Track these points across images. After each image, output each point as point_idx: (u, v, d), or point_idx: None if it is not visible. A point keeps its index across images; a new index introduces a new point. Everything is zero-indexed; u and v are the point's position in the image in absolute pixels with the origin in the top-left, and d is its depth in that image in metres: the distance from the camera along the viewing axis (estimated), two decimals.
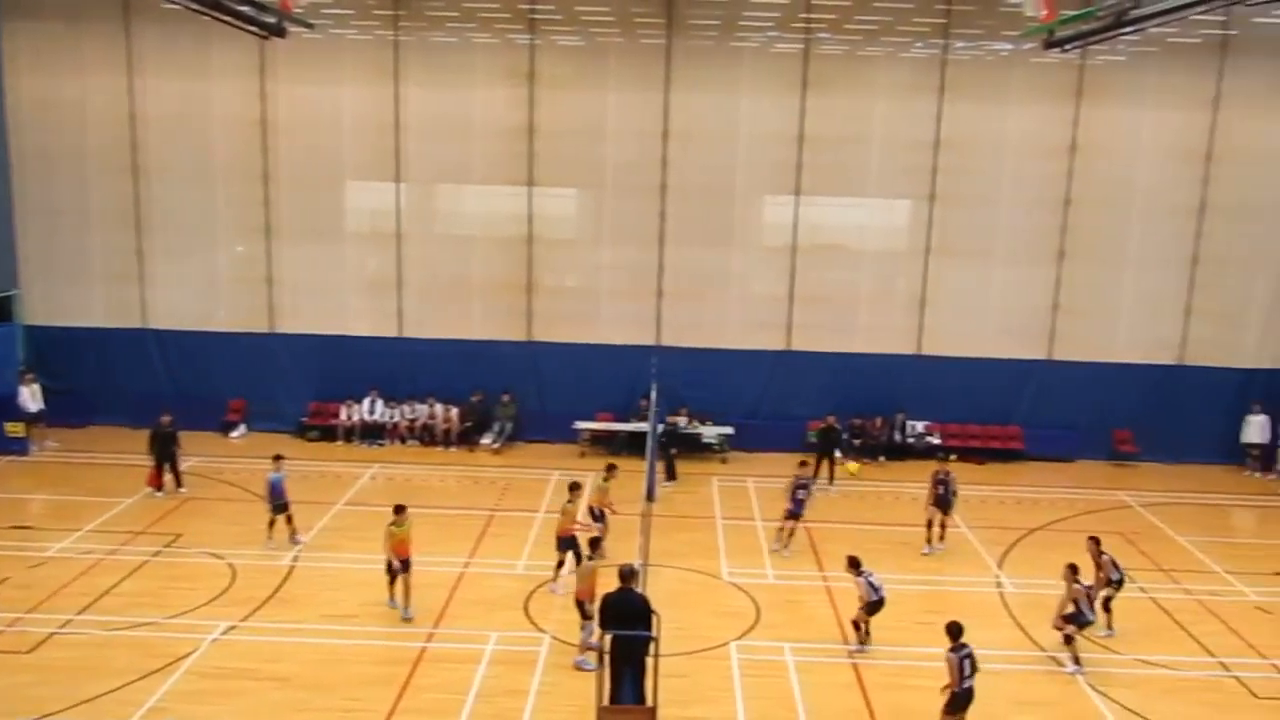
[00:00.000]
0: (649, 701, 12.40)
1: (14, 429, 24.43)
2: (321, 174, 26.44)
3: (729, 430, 25.95)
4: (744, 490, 23.46)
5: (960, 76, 25.30)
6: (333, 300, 26.86)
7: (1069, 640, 15.64)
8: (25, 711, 13.13)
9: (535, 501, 22.28)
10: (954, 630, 13.13)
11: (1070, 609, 15.58)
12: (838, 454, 24.37)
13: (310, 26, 23.34)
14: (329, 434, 26.37)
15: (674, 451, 24.14)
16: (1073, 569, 15.71)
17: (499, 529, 20.62)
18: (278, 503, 19.05)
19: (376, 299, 26.82)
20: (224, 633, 15.78)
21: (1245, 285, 26.03)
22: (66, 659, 14.88)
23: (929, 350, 26.38)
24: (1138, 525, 21.83)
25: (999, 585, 18.52)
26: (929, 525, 20.20)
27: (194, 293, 27.03)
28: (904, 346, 26.37)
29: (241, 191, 26.36)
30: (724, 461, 25.55)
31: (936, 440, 26.16)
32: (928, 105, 25.37)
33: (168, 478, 22.04)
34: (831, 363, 26.23)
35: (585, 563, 15.54)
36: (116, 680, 14.21)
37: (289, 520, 19.23)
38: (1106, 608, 16.71)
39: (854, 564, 15.96)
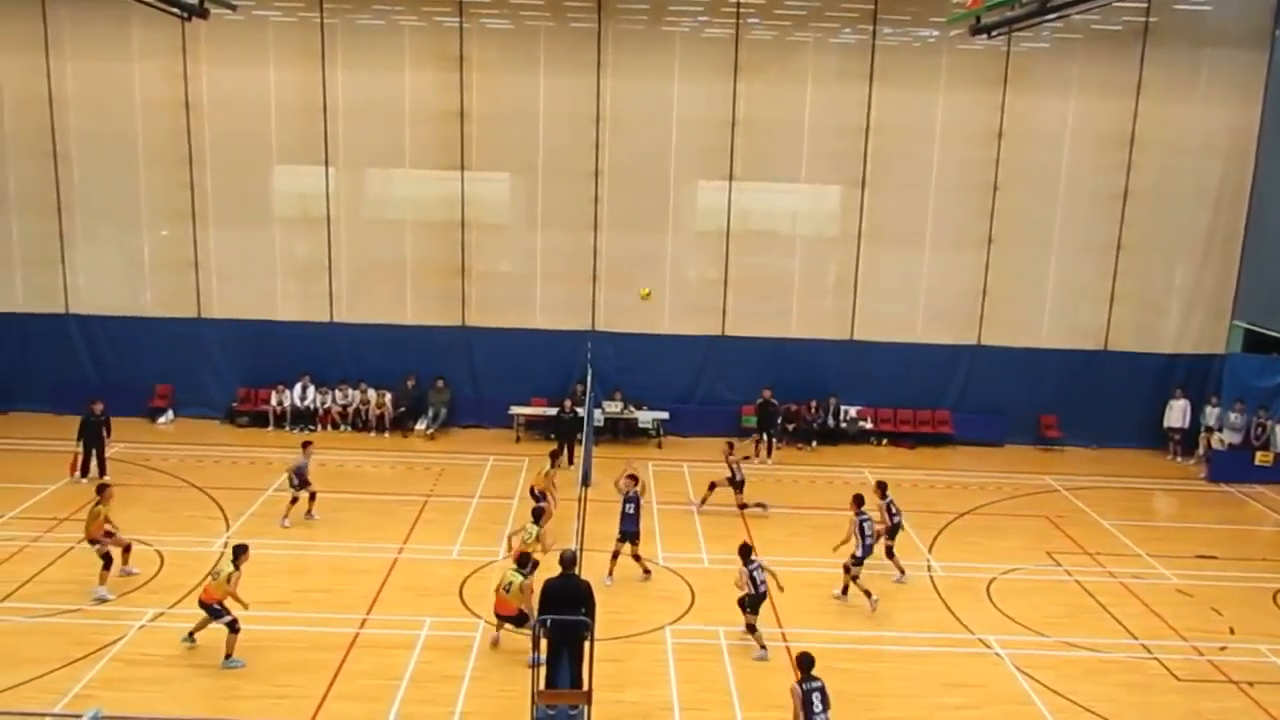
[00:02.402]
0: (585, 686, 12.42)
1: None
2: (248, 157, 25.97)
3: (664, 415, 26.03)
4: (679, 475, 23.55)
5: (889, 63, 25.54)
6: (261, 285, 26.45)
7: (855, 578, 16.82)
8: None
9: (470, 487, 22.19)
10: (804, 663, 12.14)
11: (854, 546, 16.84)
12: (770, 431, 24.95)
13: (233, 8, 22.96)
14: (259, 420, 26.02)
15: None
16: (858, 500, 17.22)
17: (433, 515, 20.49)
18: (300, 482, 19.85)
19: (307, 284, 26.45)
20: (151, 620, 15.51)
21: (1166, 272, 26.61)
22: None
23: (861, 335, 26.65)
24: (1063, 509, 22.28)
25: (929, 569, 18.78)
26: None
27: (118, 278, 26.47)
28: (836, 332, 26.63)
29: (165, 175, 25.82)
30: (659, 446, 25.63)
31: (868, 425, 26.51)
32: (857, 91, 25.58)
33: (92, 465, 21.62)
34: (765, 348, 26.41)
35: (528, 526, 16.32)
36: (40, 668, 13.93)
37: (293, 501, 19.75)
38: (890, 555, 17.83)
39: (745, 551, 15.53)
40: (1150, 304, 26.65)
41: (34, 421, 25.23)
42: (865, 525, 17.01)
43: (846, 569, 16.99)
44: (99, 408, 21.89)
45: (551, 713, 12.35)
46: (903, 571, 17.91)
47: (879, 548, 17.57)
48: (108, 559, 16.47)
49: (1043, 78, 25.66)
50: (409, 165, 26.21)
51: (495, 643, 15.08)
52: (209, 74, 25.47)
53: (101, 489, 17.12)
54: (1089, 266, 26.47)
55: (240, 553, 14.80)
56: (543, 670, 12.53)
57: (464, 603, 16.61)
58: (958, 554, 19.45)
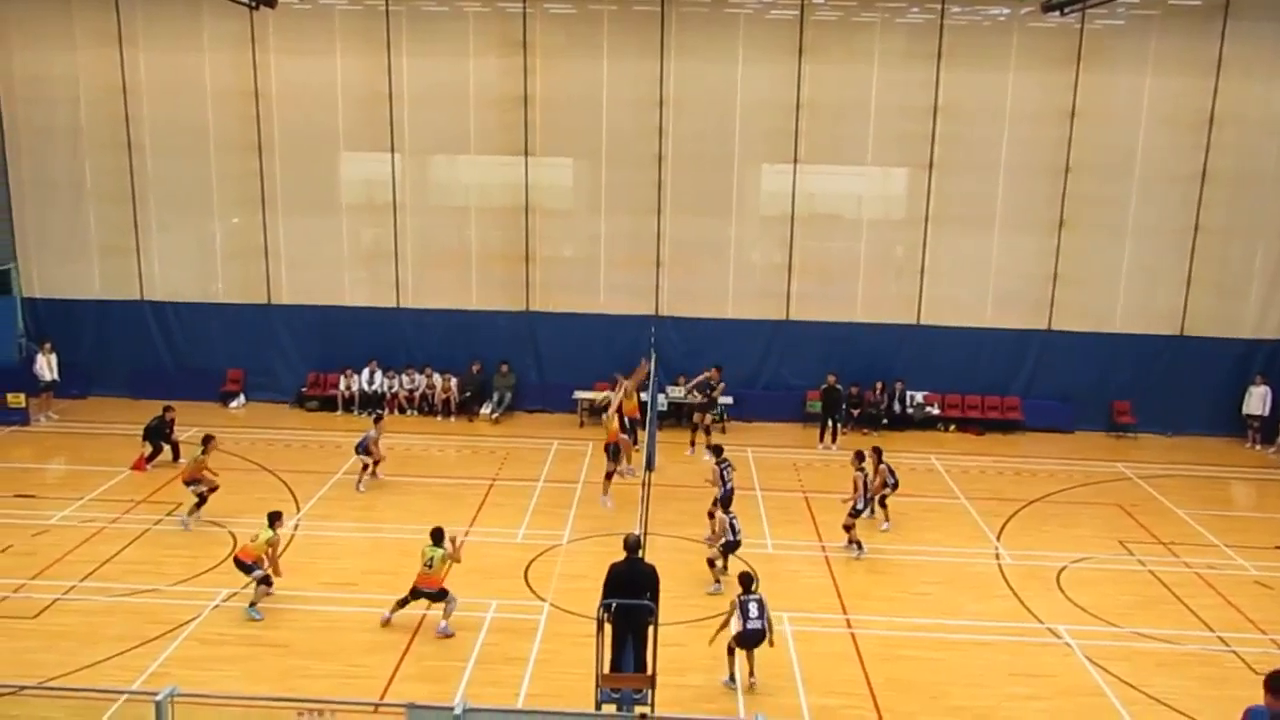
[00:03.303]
0: (649, 670, 12.43)
1: (15, 400, 24.50)
2: (316, 145, 26.30)
3: (728, 400, 25.90)
4: (743, 460, 23.35)
5: (958, 42, 25.07)
6: (329, 271, 26.81)
7: (849, 528, 18.21)
8: (29, 676, 13.18)
9: (535, 471, 22.32)
10: (745, 580, 14.07)
11: (854, 501, 18.21)
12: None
13: None
14: (328, 404, 26.42)
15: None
16: (859, 456, 18.63)
17: (499, 498, 20.65)
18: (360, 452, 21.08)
19: (374, 270, 26.76)
20: (225, 600, 15.83)
21: (1246, 255, 25.80)
22: (69, 625, 15.01)
23: (927, 320, 26.28)
24: (1136, 497, 21.80)
25: (997, 557, 18.52)
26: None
27: (191, 265, 27.04)
28: (903, 316, 26.31)
29: (236, 163, 26.26)
30: (723, 431, 25.52)
31: (935, 410, 26.19)
32: (925, 72, 25.16)
33: (166, 450, 22.20)
34: (830, 332, 26.19)
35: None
36: (118, 646, 14.32)
37: (364, 468, 21.01)
38: (883, 504, 19.33)
39: (726, 502, 17.69)
40: (1229, 288, 25.88)
41: (111, 405, 25.89)
42: (867, 482, 18.40)
43: (847, 527, 18.32)
44: (170, 415, 22.38)
45: (615, 695, 12.37)
46: (887, 521, 19.34)
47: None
48: (202, 498, 18.74)
49: (1117, 56, 25.00)
50: (473, 151, 26.33)
51: (386, 621, 15.19)
52: (277, 63, 25.80)
53: (206, 440, 19.45)
54: (1165, 250, 25.77)
55: (275, 519, 15.85)
56: (607, 654, 12.56)
57: (529, 585, 16.72)
58: (1027, 542, 19.14)
